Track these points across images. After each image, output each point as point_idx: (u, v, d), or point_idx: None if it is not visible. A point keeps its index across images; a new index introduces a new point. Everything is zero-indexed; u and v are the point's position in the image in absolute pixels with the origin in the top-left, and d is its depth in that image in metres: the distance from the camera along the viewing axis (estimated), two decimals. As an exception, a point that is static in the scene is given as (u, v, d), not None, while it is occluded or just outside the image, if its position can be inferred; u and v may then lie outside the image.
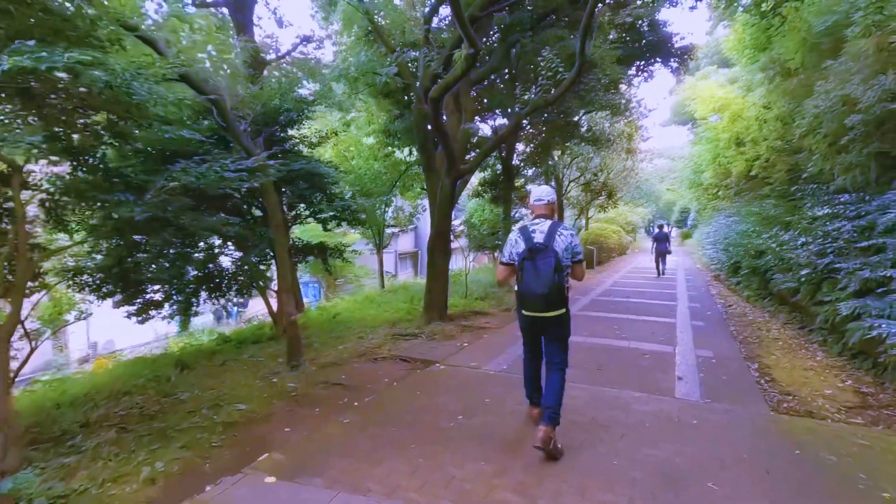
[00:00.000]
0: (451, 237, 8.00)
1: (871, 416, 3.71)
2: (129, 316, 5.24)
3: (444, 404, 3.85)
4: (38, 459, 2.88)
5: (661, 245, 14.53)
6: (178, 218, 4.16)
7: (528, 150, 13.11)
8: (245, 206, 6.19)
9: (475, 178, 12.72)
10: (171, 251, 5.02)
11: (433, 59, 6.71)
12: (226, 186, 4.00)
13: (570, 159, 17.36)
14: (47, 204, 3.65)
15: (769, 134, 10.45)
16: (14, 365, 3.57)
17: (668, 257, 15.34)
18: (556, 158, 15.56)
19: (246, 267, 5.92)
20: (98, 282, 4.74)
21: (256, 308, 12.42)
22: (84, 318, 4.78)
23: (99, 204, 3.77)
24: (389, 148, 11.34)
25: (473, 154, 8.91)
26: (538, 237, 3.02)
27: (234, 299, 6.31)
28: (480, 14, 6.47)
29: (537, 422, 3.05)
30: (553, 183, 16.48)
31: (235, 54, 5.26)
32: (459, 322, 7.22)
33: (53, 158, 3.37)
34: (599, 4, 7.54)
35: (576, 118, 11.47)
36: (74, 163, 3.61)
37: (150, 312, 5.34)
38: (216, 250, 5.87)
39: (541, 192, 3.24)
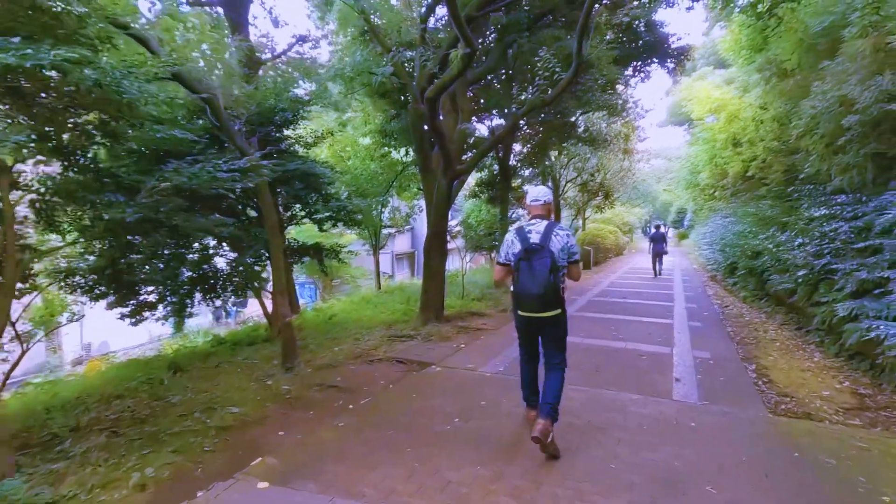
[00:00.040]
0: (448, 238, 7.96)
1: (869, 418, 3.70)
2: (122, 317, 5.18)
3: (441, 407, 3.81)
4: (27, 465, 2.83)
5: (658, 245, 14.55)
6: (171, 219, 4.12)
7: (524, 150, 13.11)
8: (240, 207, 6.15)
9: (472, 179, 12.70)
10: (165, 252, 4.97)
11: (429, 59, 6.69)
12: (218, 187, 3.97)
13: (567, 160, 17.36)
14: (38, 205, 3.60)
15: (766, 135, 10.44)
16: (4, 368, 3.52)
17: (665, 258, 15.36)
18: (552, 159, 15.56)
19: (241, 268, 5.87)
20: (91, 283, 4.68)
21: (256, 308, 12.34)
22: (77, 320, 4.73)
23: (89, 205, 3.72)
24: (386, 148, 11.31)
25: (470, 154, 8.86)
26: (534, 237, 3.00)
27: (230, 300, 6.26)
28: (477, 14, 6.46)
29: (534, 423, 3.02)
30: (550, 183, 16.49)
31: (230, 53, 5.22)
32: (456, 323, 7.18)
33: (41, 158, 3.32)
34: (596, 5, 7.52)
35: (573, 118, 11.47)
36: (65, 162, 3.56)
37: (143, 314, 5.27)
38: (211, 251, 5.82)
39: (537, 193, 3.22)
